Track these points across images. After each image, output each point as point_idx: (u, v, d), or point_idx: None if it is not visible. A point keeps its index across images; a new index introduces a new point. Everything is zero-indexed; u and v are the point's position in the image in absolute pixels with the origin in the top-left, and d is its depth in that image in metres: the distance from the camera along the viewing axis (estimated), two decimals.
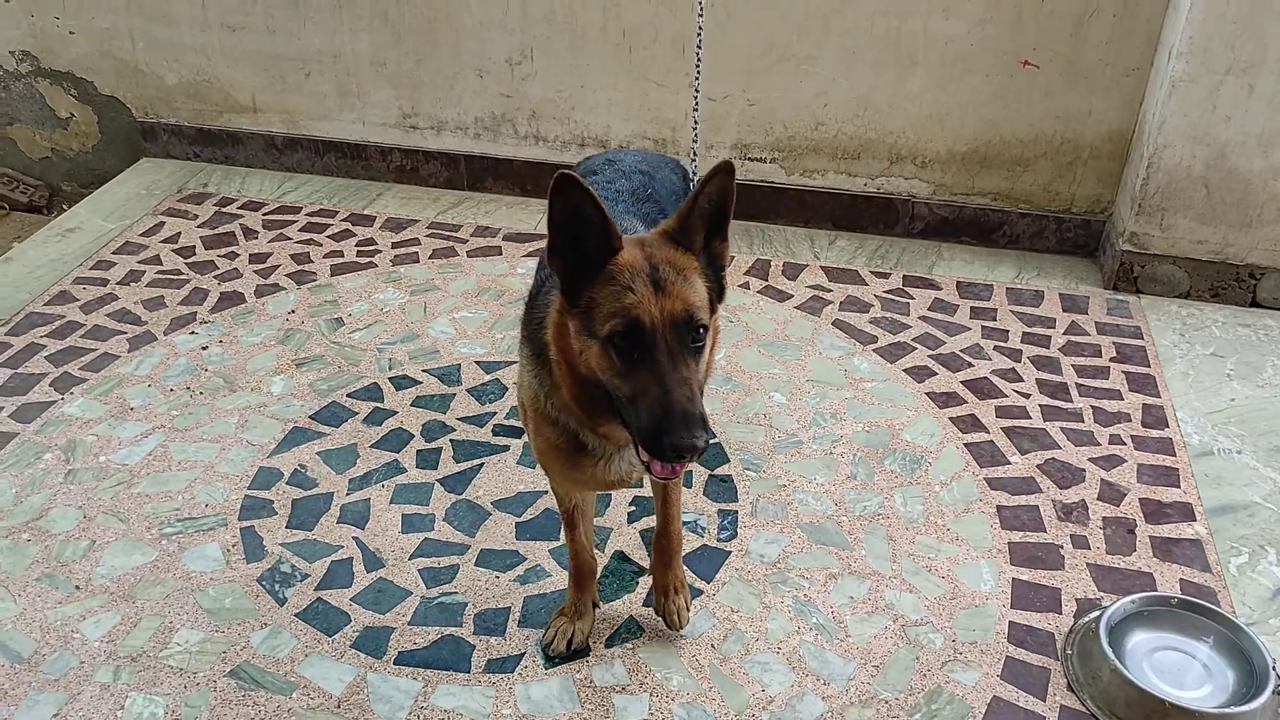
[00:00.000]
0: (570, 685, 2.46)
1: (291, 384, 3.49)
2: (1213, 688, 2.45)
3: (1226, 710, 2.33)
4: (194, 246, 4.32)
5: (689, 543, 2.87)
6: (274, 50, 4.69)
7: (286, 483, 3.07)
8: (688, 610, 2.58)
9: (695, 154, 2.55)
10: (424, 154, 4.78)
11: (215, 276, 4.10)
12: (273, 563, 2.79)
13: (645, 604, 2.68)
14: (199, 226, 4.47)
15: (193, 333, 3.75)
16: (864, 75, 4.19)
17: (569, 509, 2.41)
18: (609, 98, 4.45)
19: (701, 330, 1.83)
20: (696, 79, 2.75)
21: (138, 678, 2.47)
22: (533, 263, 3.27)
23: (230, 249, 4.30)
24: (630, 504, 3.01)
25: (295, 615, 2.64)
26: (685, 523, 2.92)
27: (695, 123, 2.66)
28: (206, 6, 4.63)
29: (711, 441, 1.81)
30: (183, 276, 4.10)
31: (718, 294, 1.93)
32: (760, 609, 2.67)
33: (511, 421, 3.32)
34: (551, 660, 2.51)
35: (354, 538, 2.88)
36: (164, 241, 4.35)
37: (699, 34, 2.79)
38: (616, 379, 1.82)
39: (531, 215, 4.56)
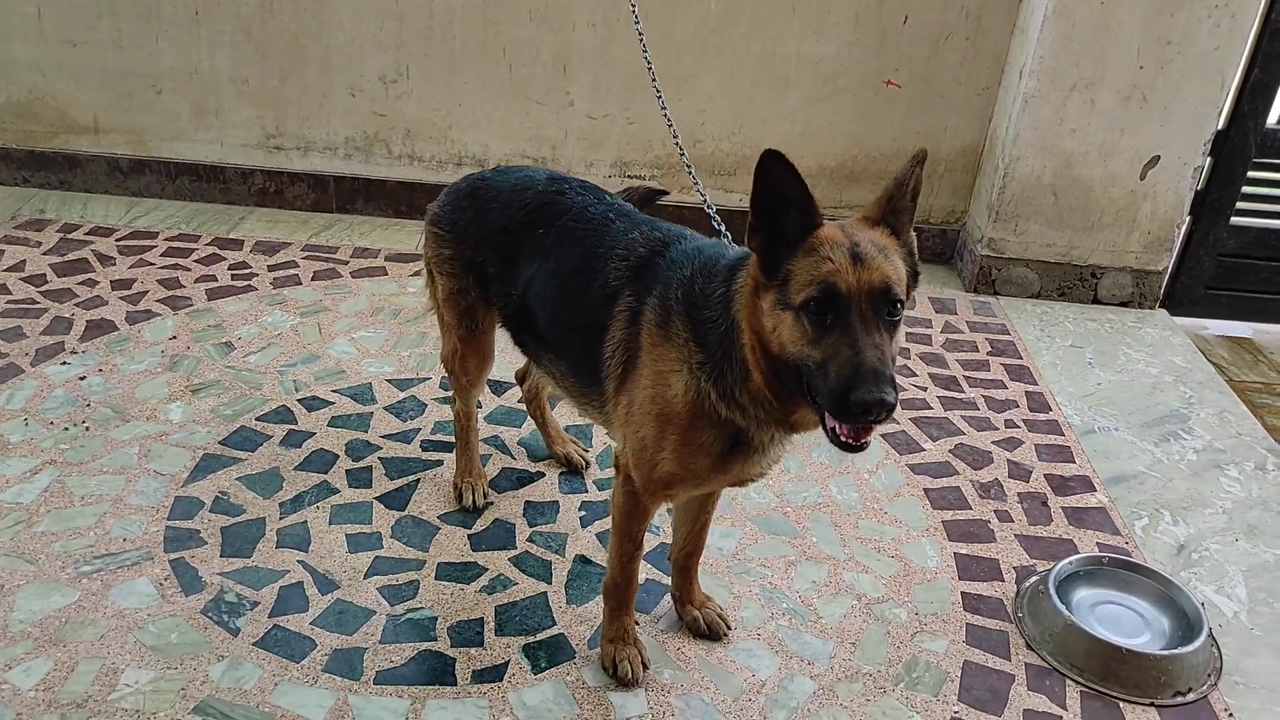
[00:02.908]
0: (563, 688, 2.41)
1: (191, 410, 3.26)
2: (1151, 634, 2.67)
3: (1175, 651, 2.54)
4: (44, 275, 3.97)
5: (648, 543, 2.86)
6: (121, 67, 4.41)
7: (210, 511, 2.86)
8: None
9: (692, 172, 2.52)
10: (289, 175, 4.60)
11: (77, 304, 3.79)
12: (215, 593, 2.59)
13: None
14: (45, 254, 4.13)
15: (64, 363, 3.45)
16: (741, 94, 4.36)
17: (641, 536, 2.36)
18: (488, 116, 4.43)
19: (898, 305, 1.81)
20: (658, 94, 2.74)
21: None
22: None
23: (87, 275, 3.99)
24: (580, 509, 2.99)
25: (253, 644, 2.46)
26: None
27: (676, 137, 2.65)
28: (43, 19, 4.31)
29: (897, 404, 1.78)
30: (39, 305, 3.76)
31: (913, 279, 1.91)
32: (731, 599, 2.71)
33: (439, 436, 3.23)
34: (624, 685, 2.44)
35: (299, 561, 2.72)
36: (8, 270, 3.98)
37: (644, 48, 2.78)
38: (808, 347, 1.79)
39: (410, 236, 4.46)
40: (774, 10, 4.22)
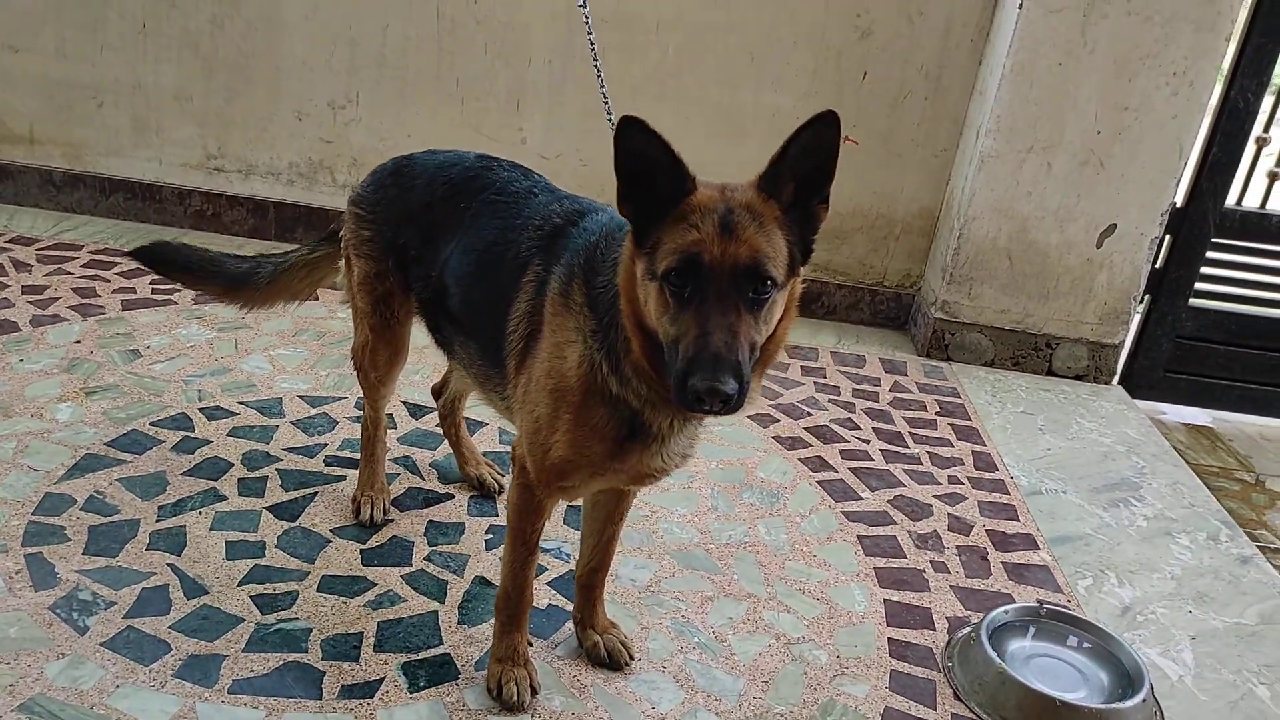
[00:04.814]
0: (440, 709, 2.17)
1: (81, 411, 3.05)
2: (1089, 690, 2.46)
3: (1113, 706, 2.33)
4: None
5: (554, 569, 2.66)
6: (62, 76, 4.29)
7: (81, 509, 2.63)
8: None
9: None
10: (228, 199, 4.46)
11: None
12: (68, 590, 2.35)
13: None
14: None
15: None
16: (696, 142, 4.27)
17: (535, 538, 2.16)
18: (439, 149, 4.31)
19: (768, 283, 1.66)
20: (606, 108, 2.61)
21: None
22: None
23: None
24: (487, 531, 2.78)
25: (101, 644, 2.21)
26: (548, 550, 2.73)
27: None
28: None
29: (745, 400, 1.65)
30: None
31: (802, 256, 1.76)
32: (639, 629, 2.48)
33: (346, 453, 3.02)
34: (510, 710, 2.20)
35: (169, 564, 2.48)
36: None
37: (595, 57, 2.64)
38: (669, 323, 1.66)
39: None
40: (732, 59, 4.17)
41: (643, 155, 1.68)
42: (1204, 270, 4.38)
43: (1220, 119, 4.13)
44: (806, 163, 1.72)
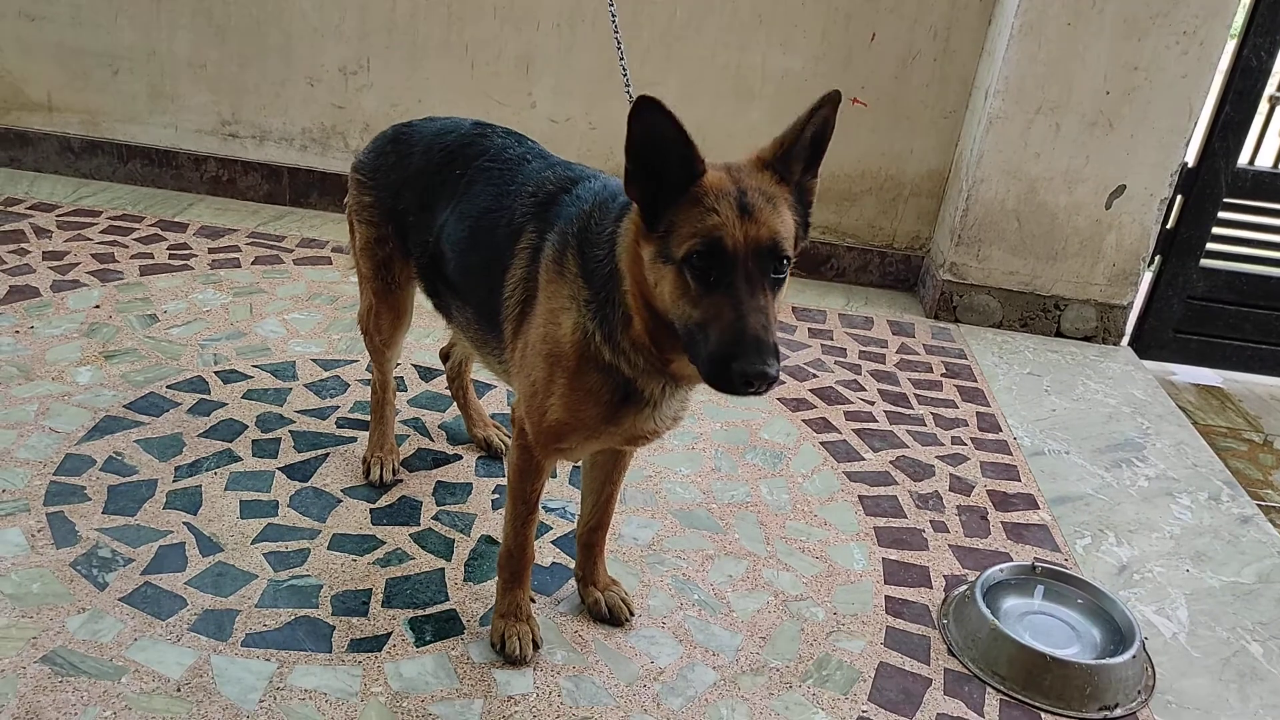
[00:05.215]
0: (446, 661, 2.25)
1: (100, 375, 3.13)
2: (1080, 646, 2.51)
3: (1103, 661, 2.38)
4: None
5: (559, 528, 2.73)
6: (79, 44, 4.34)
7: (100, 470, 2.72)
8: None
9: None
10: (243, 165, 4.51)
11: (2, 270, 3.67)
12: (88, 547, 2.44)
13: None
14: None
15: None
16: (704, 104, 4.30)
17: (535, 498, 2.23)
18: (448, 113, 4.34)
19: (785, 261, 1.70)
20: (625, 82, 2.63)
21: None
22: None
23: (19, 245, 3.88)
24: (493, 492, 2.85)
25: (119, 600, 2.30)
26: (552, 509, 2.80)
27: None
28: None
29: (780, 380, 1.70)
30: None
31: (803, 230, 1.80)
32: (640, 587, 2.55)
33: (357, 415, 3.09)
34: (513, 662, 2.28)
35: (185, 523, 2.56)
36: None
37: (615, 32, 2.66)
38: (689, 306, 1.69)
39: None
40: (741, 21, 4.17)
41: (657, 136, 1.69)
42: (1215, 230, 4.36)
43: (1233, 78, 4.10)
44: (811, 142, 1.77)
